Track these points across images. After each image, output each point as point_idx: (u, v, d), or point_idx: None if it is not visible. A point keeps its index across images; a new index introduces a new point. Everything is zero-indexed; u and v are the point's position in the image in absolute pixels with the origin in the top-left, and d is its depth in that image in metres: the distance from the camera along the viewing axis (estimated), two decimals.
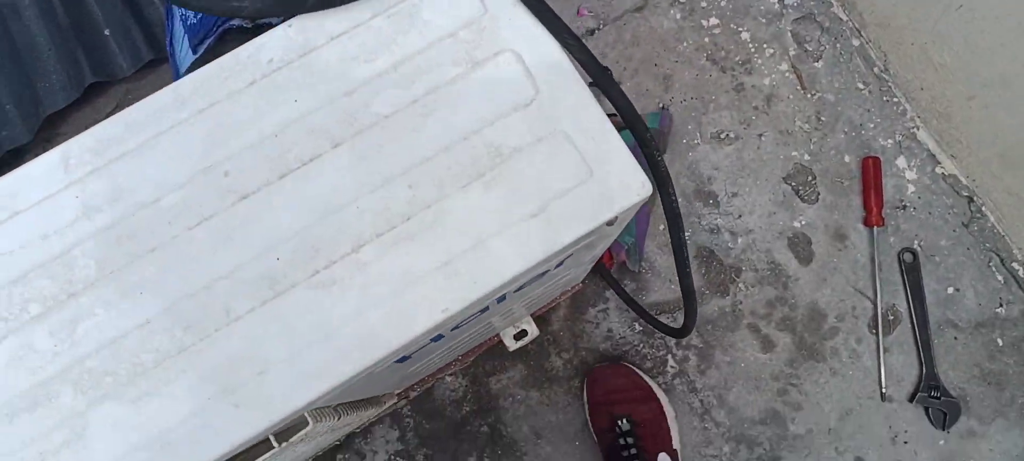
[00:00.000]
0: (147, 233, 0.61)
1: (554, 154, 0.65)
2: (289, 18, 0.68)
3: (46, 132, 1.22)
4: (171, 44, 1.20)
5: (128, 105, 1.37)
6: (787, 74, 1.50)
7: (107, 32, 1.19)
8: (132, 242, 0.61)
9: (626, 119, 0.73)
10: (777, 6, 1.52)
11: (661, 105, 1.46)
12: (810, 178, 1.45)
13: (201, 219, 0.62)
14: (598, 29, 1.48)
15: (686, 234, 1.45)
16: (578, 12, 1.48)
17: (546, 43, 0.67)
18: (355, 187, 0.63)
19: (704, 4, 1.51)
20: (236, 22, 1.21)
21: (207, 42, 1.20)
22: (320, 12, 0.68)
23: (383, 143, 0.63)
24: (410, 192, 0.64)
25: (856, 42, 1.51)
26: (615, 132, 0.68)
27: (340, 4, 0.68)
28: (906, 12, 1.37)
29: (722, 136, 1.46)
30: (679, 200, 1.44)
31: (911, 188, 1.44)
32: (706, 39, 1.50)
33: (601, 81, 0.71)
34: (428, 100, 0.64)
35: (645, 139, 0.73)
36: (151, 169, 0.62)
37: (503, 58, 0.66)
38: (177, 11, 1.21)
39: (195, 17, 1.20)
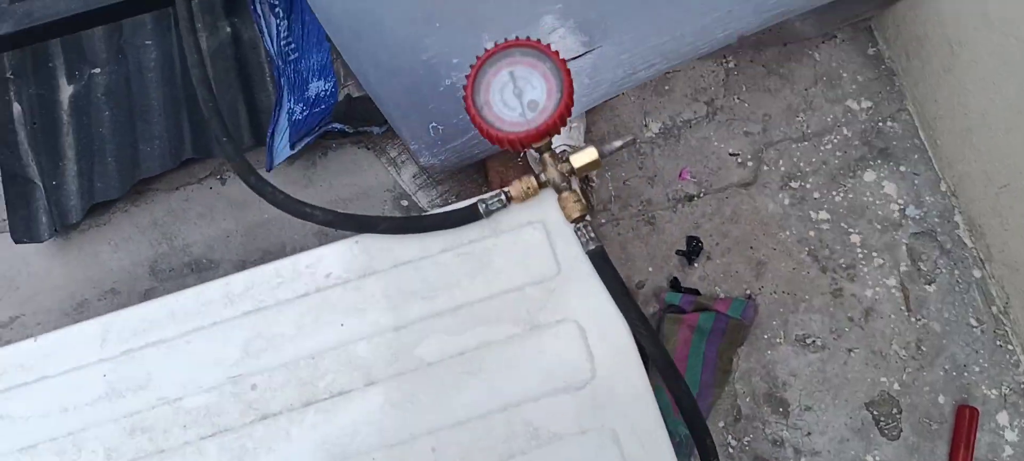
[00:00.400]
0: (161, 432, 0.58)
1: (596, 454, 0.57)
2: (357, 234, 0.64)
3: (139, 185, 1.24)
4: (272, 134, 1.19)
5: (222, 175, 1.37)
6: (893, 290, 1.35)
7: None
8: (145, 437, 0.58)
9: (687, 418, 0.64)
10: (897, 214, 1.38)
11: (749, 293, 1.35)
12: (895, 411, 1.30)
13: (217, 430, 0.58)
14: (698, 196, 1.38)
15: (746, 439, 1.33)
16: (681, 175, 1.39)
17: (615, 323, 0.60)
18: (377, 436, 0.57)
19: (817, 195, 1.38)
20: (338, 126, 1.19)
21: (306, 141, 1.19)
22: (390, 235, 0.63)
23: (419, 393, 0.58)
24: (432, 457, 0.58)
25: (977, 273, 1.35)
26: (668, 442, 0.59)
27: (413, 231, 0.63)
28: None
29: (808, 341, 1.33)
30: (746, 401, 1.32)
31: (1008, 451, 1.27)
32: (811, 232, 1.37)
33: (667, 378, 0.63)
34: (477, 355, 0.58)
35: (706, 446, 0.64)
36: (183, 365, 0.59)
37: (565, 328, 0.59)
38: (286, 102, 1.20)
39: (301, 113, 1.19)
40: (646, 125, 1.44)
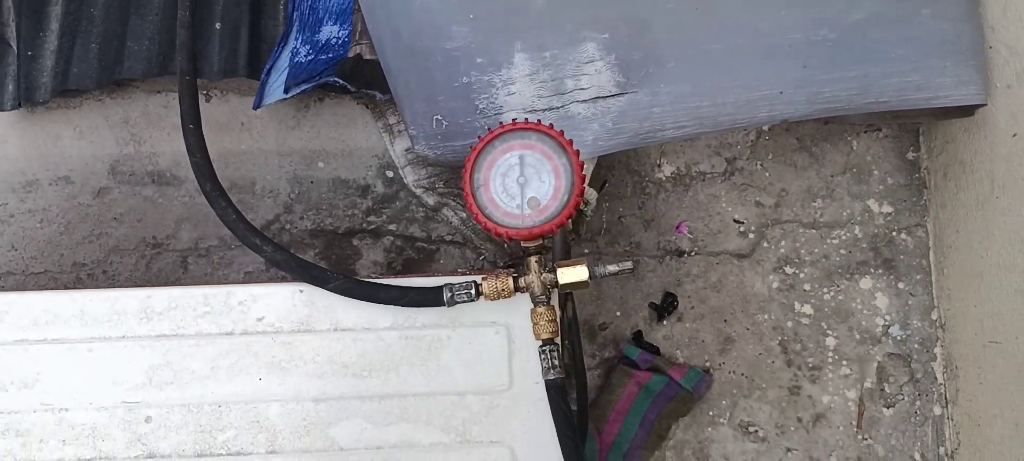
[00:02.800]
0: (37, 441, 0.50)
1: None
2: (302, 284, 0.55)
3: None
4: (269, 70, 1.07)
5: (208, 92, 1.24)
6: (850, 403, 1.29)
7: (217, 26, 1.07)
8: (17, 442, 0.50)
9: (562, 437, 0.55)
10: (879, 330, 1.31)
11: (708, 366, 1.29)
12: None
13: (97, 456, 0.51)
14: (689, 254, 1.30)
15: None
16: (678, 227, 1.30)
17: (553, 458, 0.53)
18: None
19: (807, 287, 1.31)
20: (340, 82, 1.08)
21: (304, 88, 1.07)
22: (339, 295, 0.55)
23: None
24: None
25: (937, 411, 1.30)
26: None
27: (365, 299, 0.54)
28: (1004, 432, 1.16)
29: (750, 429, 1.28)
30: None
31: None
32: (789, 323, 1.30)
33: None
34: (394, 455, 0.51)
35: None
36: (79, 374, 0.51)
37: (497, 453, 0.52)
38: (293, 40, 1.08)
39: (306, 56, 1.07)
40: (659, 165, 1.34)
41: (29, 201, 1.17)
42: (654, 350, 1.26)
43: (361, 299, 0.56)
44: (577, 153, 0.54)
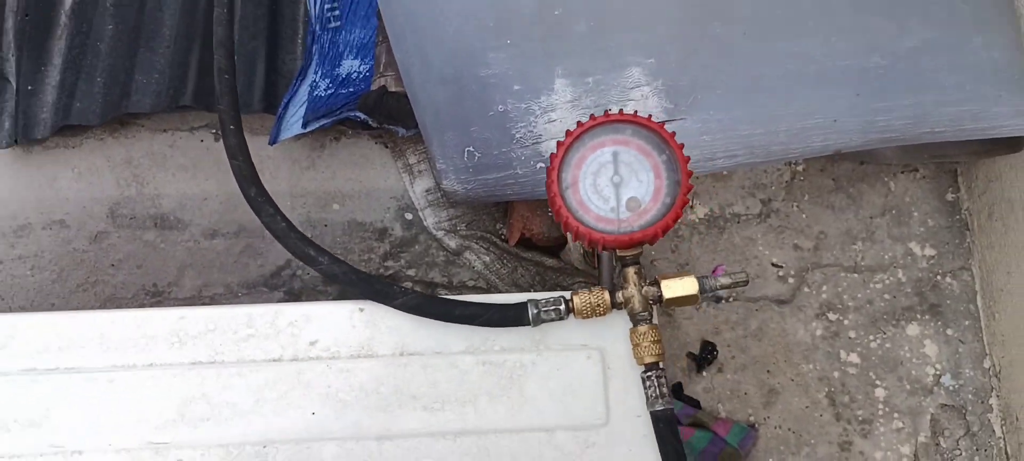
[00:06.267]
0: None
1: None
2: (363, 301, 0.48)
3: (123, 116, 1.06)
4: (287, 103, 1.02)
5: (218, 130, 1.19)
6: (904, 459, 1.21)
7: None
8: None
9: None
10: (930, 379, 1.24)
11: (753, 421, 1.20)
12: None
13: None
14: (726, 301, 1.23)
15: None
16: (714, 271, 1.23)
17: None
18: None
19: (853, 334, 1.24)
20: (361, 117, 1.03)
21: (322, 123, 1.02)
22: (404, 314, 0.47)
23: None
24: None
25: None
26: None
27: (436, 317, 0.47)
28: None
29: None
30: None
31: None
32: (836, 373, 1.23)
33: None
34: None
35: None
36: (96, 409, 0.42)
37: None
38: (311, 74, 1.02)
39: (326, 90, 1.02)
40: (692, 206, 1.29)
41: (20, 247, 1.08)
42: (695, 404, 1.18)
43: (432, 318, 0.48)
44: (681, 147, 0.48)
